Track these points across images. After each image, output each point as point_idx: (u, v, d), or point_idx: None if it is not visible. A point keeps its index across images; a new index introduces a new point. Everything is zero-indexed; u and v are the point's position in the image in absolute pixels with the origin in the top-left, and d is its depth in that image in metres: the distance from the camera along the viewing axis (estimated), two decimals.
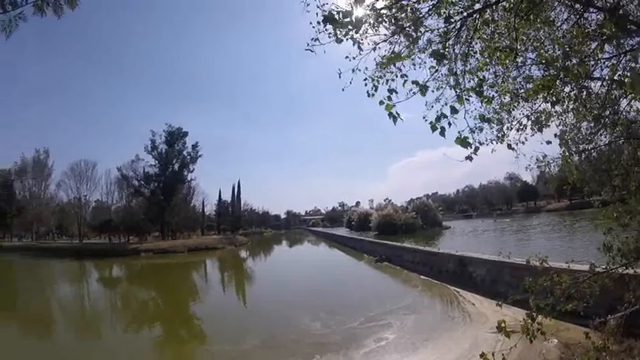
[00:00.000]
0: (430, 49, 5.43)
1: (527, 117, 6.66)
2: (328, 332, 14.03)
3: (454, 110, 4.50)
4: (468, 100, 5.29)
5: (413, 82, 4.69)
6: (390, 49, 5.44)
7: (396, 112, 4.39)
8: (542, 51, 6.39)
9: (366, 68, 5.55)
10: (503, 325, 5.48)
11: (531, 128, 6.58)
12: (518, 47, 5.96)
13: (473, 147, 4.69)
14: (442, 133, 4.46)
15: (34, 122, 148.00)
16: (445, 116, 4.49)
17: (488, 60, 5.99)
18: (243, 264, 51.08)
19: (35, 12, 5.51)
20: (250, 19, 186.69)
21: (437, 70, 5.62)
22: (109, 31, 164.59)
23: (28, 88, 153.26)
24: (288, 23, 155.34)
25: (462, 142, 4.58)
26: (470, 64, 5.85)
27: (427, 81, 5.03)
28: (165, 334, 17.54)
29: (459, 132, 4.47)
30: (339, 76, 5.54)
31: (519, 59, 6.23)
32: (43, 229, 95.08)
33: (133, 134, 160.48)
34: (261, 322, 16.86)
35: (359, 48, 5.15)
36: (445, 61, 5.35)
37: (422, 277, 24.84)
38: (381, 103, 4.47)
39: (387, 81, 5.34)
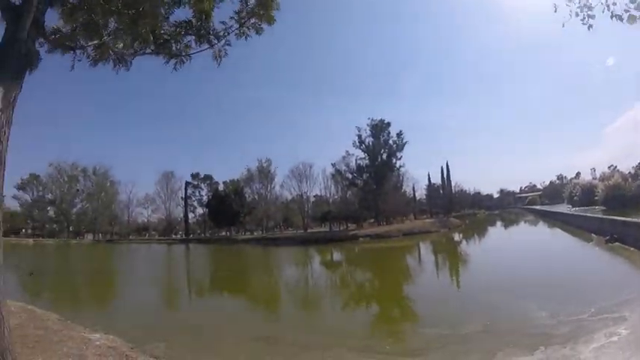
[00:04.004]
0: None
1: None
2: (554, 323, 12.95)
3: None
4: None
5: None
6: None
7: None
8: None
9: None
10: None
11: None
12: None
13: None
14: None
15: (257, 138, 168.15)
16: None
17: None
18: (457, 247, 50.04)
19: (238, 37, 6.38)
20: None
21: None
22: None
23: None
24: None
25: None
26: None
27: None
28: (382, 313, 18.20)
29: None
30: (555, 10, 5.30)
31: None
32: (271, 223, 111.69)
33: (340, 134, 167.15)
34: (481, 308, 16.28)
35: None
36: None
37: None
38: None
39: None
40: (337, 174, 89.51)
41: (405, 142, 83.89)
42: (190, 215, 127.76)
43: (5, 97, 3.66)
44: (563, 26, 5.32)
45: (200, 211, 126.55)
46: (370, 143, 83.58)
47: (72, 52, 5.57)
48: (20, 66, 3.88)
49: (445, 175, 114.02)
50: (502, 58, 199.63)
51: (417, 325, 15.17)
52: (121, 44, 5.40)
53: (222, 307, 22.06)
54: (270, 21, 6.12)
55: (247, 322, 17.28)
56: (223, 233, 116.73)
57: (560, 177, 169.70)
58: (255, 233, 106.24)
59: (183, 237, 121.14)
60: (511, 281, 21.29)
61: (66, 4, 5.01)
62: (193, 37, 6.15)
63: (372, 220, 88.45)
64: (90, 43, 5.40)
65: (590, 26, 5.19)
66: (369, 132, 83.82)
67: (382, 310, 18.69)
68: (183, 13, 5.99)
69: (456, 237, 64.41)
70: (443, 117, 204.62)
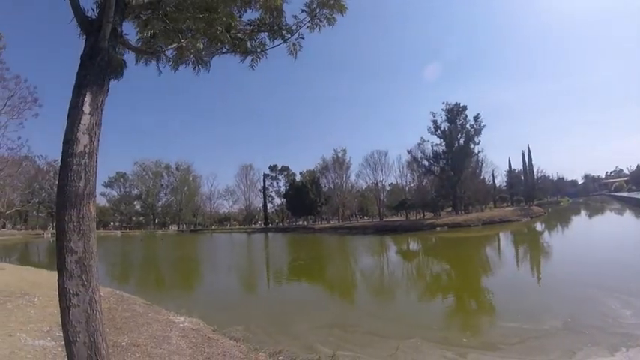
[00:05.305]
0: None
1: None
2: (638, 322, 12.35)
3: None
4: None
5: None
6: None
7: None
8: None
9: None
10: None
11: None
12: None
13: None
14: None
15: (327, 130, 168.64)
16: None
17: None
18: (539, 238, 47.81)
19: (311, 30, 6.53)
20: None
21: None
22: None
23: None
24: None
25: None
26: None
27: None
28: (460, 305, 17.78)
29: None
30: None
31: None
32: (347, 212, 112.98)
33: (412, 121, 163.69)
34: (562, 303, 15.51)
35: None
36: None
37: None
38: None
39: None
40: (413, 161, 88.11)
41: (483, 126, 79.83)
42: (269, 205, 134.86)
43: (93, 102, 4.04)
44: None
45: (278, 201, 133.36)
46: (446, 128, 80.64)
47: (155, 58, 5.95)
48: (104, 74, 4.26)
49: (526, 161, 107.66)
50: (582, 31, 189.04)
51: (496, 318, 14.71)
52: (200, 45, 5.67)
53: (299, 293, 22.55)
54: (342, 10, 6.13)
55: (323, 309, 17.64)
56: (300, 222, 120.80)
57: None
58: (332, 222, 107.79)
59: (263, 226, 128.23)
60: (595, 276, 20.22)
61: (139, 16, 5.34)
62: (266, 33, 6.33)
63: (449, 209, 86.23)
64: (169, 47, 5.72)
65: None
66: (444, 117, 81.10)
67: (460, 302, 18.29)
68: (254, 12, 6.18)
69: (539, 227, 61.36)
70: (523, 98, 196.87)
